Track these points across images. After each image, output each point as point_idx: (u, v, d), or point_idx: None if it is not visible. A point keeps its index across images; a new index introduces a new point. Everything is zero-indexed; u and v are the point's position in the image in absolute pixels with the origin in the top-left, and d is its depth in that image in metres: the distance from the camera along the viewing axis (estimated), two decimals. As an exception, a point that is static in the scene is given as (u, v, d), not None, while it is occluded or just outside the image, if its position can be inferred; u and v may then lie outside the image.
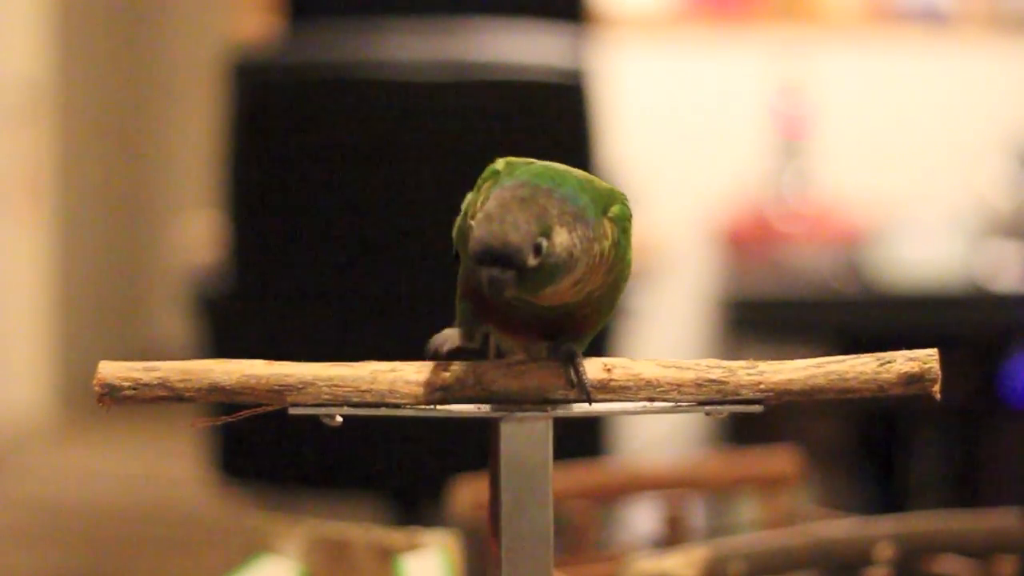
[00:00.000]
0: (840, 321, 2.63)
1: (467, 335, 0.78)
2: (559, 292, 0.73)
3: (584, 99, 1.96)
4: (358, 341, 1.98)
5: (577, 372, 0.74)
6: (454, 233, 0.79)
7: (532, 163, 0.76)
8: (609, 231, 0.74)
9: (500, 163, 0.77)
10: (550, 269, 0.71)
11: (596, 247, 0.73)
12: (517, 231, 0.69)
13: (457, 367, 0.76)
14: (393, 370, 0.75)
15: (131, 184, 5.17)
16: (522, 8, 2.19)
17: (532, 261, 0.69)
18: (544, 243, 0.70)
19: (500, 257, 0.69)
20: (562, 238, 0.71)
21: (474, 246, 0.69)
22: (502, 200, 0.70)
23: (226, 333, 2.09)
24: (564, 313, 0.76)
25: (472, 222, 0.73)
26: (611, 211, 0.75)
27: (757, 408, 0.76)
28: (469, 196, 0.78)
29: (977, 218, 2.84)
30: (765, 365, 0.75)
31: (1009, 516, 1.05)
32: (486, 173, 0.77)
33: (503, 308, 0.76)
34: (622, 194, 0.76)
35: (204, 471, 2.14)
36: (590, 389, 0.75)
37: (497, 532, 0.77)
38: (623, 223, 0.75)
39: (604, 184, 0.76)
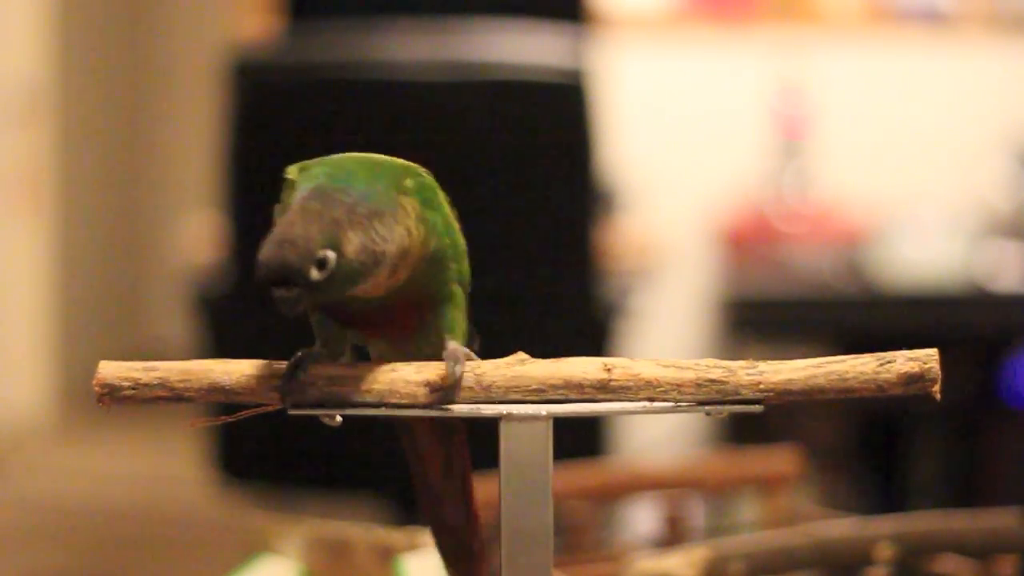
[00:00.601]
0: (840, 321, 2.63)
1: (330, 351, 0.77)
2: (377, 285, 0.73)
3: (584, 99, 1.96)
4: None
5: (454, 370, 0.74)
6: None
7: (325, 161, 0.75)
8: (411, 209, 0.74)
9: (292, 170, 0.76)
10: (349, 275, 0.71)
11: (399, 231, 0.73)
12: (295, 249, 0.69)
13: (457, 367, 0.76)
14: (393, 370, 0.75)
15: (131, 184, 5.17)
16: (522, 8, 2.19)
17: (317, 275, 0.69)
18: (330, 256, 0.69)
19: (279, 279, 0.69)
20: (355, 243, 0.71)
21: (256, 268, 0.70)
22: (290, 215, 0.71)
23: (226, 333, 2.09)
24: (403, 297, 0.75)
25: None
26: (406, 186, 0.75)
27: (757, 408, 0.75)
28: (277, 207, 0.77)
29: (977, 218, 2.84)
30: (765, 365, 0.75)
31: (1009, 516, 1.05)
32: (284, 184, 0.77)
33: (342, 309, 0.75)
34: (415, 168, 0.76)
35: (204, 471, 2.14)
36: (455, 389, 0.74)
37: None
38: (424, 194, 0.75)
39: (398, 162, 0.76)
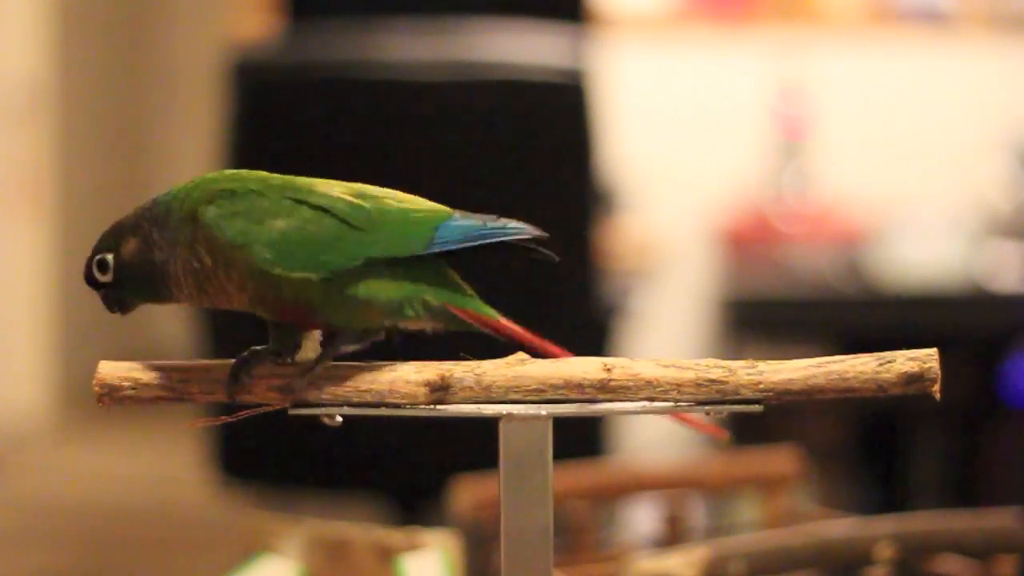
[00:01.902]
0: (840, 321, 2.63)
1: (281, 347, 0.76)
2: (223, 293, 0.74)
3: (584, 99, 1.96)
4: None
5: (235, 371, 0.74)
6: None
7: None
8: (200, 225, 0.74)
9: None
10: (130, 274, 0.75)
11: (183, 253, 0.74)
12: (89, 260, 0.76)
13: (457, 367, 0.76)
14: (393, 370, 0.75)
15: (131, 184, 5.17)
16: (522, 8, 2.19)
17: (103, 277, 0.76)
18: (108, 258, 0.76)
19: (86, 282, 0.77)
20: (131, 247, 0.75)
21: None
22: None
23: (226, 333, 2.09)
24: (284, 306, 0.74)
25: None
26: (197, 203, 0.75)
27: (757, 408, 0.75)
28: None
29: (977, 218, 2.84)
30: (765, 365, 0.75)
31: (1009, 516, 1.05)
32: None
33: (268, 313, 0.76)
34: (206, 181, 0.76)
35: (204, 471, 2.14)
36: (234, 390, 0.74)
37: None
38: (217, 202, 0.74)
39: (206, 183, 0.76)
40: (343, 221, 0.75)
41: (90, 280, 0.76)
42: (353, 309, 0.76)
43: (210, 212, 0.74)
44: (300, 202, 0.75)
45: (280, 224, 0.74)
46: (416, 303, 0.76)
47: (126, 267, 0.75)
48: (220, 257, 0.73)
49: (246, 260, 0.73)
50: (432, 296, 0.77)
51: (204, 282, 0.74)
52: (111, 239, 0.76)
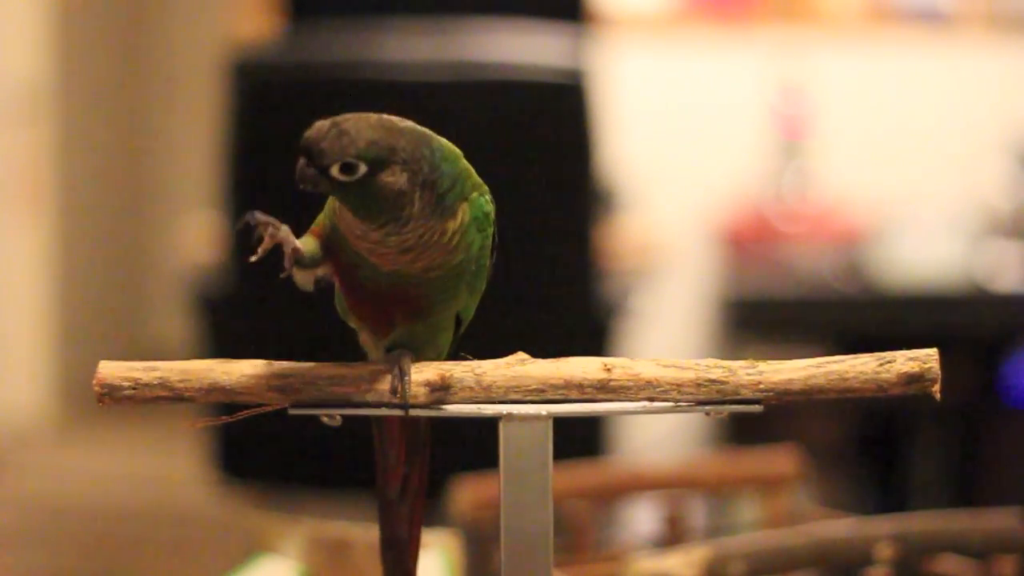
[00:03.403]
0: (840, 321, 2.63)
1: (306, 257, 0.77)
2: (386, 249, 0.74)
3: (584, 99, 1.96)
4: (358, 341, 1.98)
5: (401, 378, 0.74)
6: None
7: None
8: (460, 215, 0.75)
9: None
10: (367, 197, 0.72)
11: (438, 222, 0.74)
12: (337, 141, 0.71)
13: (457, 367, 0.76)
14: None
15: (131, 184, 5.17)
16: (522, 8, 2.19)
17: (338, 174, 0.71)
18: (360, 166, 0.71)
19: (308, 152, 0.72)
20: (394, 179, 0.72)
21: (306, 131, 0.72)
22: (371, 115, 0.73)
23: (226, 333, 2.09)
24: (399, 286, 0.75)
25: None
26: (471, 197, 0.76)
27: (757, 408, 0.75)
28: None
29: (977, 218, 2.84)
30: (765, 365, 0.75)
31: (1009, 516, 1.05)
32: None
33: (348, 260, 0.76)
34: (485, 189, 0.77)
35: (204, 471, 2.14)
36: (411, 398, 0.75)
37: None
38: (479, 216, 0.76)
39: (476, 177, 0.77)
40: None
41: (317, 162, 0.71)
42: (422, 340, 0.78)
43: (477, 205, 0.76)
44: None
45: (487, 256, 0.78)
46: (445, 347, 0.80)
47: (372, 186, 0.72)
48: (453, 240, 0.75)
49: (464, 258, 0.76)
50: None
51: (420, 246, 0.74)
52: (373, 150, 0.72)
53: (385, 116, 0.73)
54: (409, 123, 0.75)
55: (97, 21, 4.90)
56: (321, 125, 0.72)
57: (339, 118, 0.72)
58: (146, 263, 5.16)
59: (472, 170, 0.77)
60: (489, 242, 0.77)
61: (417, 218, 0.73)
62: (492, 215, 0.77)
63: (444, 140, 0.76)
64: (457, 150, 0.76)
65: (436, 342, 0.78)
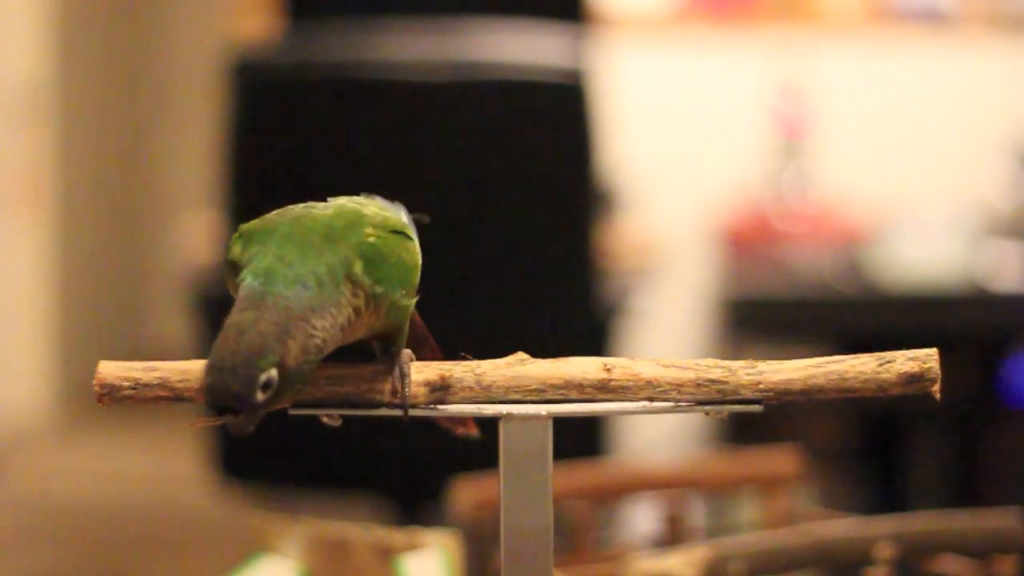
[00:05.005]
0: (840, 321, 2.63)
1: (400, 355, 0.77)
2: (356, 331, 0.74)
3: (584, 99, 1.96)
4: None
5: (402, 379, 0.74)
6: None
7: (267, 237, 0.74)
8: (359, 288, 0.73)
9: (235, 247, 0.75)
10: (293, 380, 0.70)
11: (343, 315, 0.72)
12: (237, 379, 0.68)
13: (457, 367, 0.76)
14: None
15: (131, 184, 5.18)
16: (522, 8, 2.19)
17: (262, 397, 0.69)
18: (273, 375, 0.69)
19: (226, 409, 0.68)
20: (295, 351, 0.70)
21: (205, 394, 0.69)
22: (227, 332, 0.70)
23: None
24: (361, 336, 0.75)
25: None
26: (353, 270, 0.73)
27: (757, 408, 0.75)
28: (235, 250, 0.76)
29: (977, 218, 2.84)
30: (765, 365, 0.75)
31: (1009, 516, 1.05)
32: (229, 256, 0.76)
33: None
34: (366, 228, 0.75)
35: (204, 471, 2.14)
36: (410, 399, 0.74)
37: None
38: (372, 262, 0.74)
39: (352, 223, 0.75)
40: (416, 248, 0.79)
41: (241, 407, 0.68)
42: (402, 341, 0.77)
43: (360, 269, 0.74)
44: (397, 233, 0.77)
45: (408, 260, 0.77)
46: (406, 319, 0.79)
47: (289, 374, 0.69)
48: (371, 304, 0.74)
49: (387, 300, 0.75)
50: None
51: (347, 329, 0.73)
52: (265, 356, 0.68)
53: (231, 321, 0.71)
54: (250, 288, 0.72)
55: (97, 21, 4.90)
56: (210, 383, 0.68)
57: (211, 361, 0.69)
58: (146, 263, 5.17)
59: (338, 218, 0.75)
60: (397, 253, 0.75)
61: (330, 339, 0.72)
62: (380, 241, 0.75)
63: (283, 230, 0.74)
64: (305, 221, 0.74)
65: (404, 331, 0.78)
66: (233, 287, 0.74)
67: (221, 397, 0.68)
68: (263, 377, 0.68)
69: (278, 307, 0.70)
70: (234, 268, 0.75)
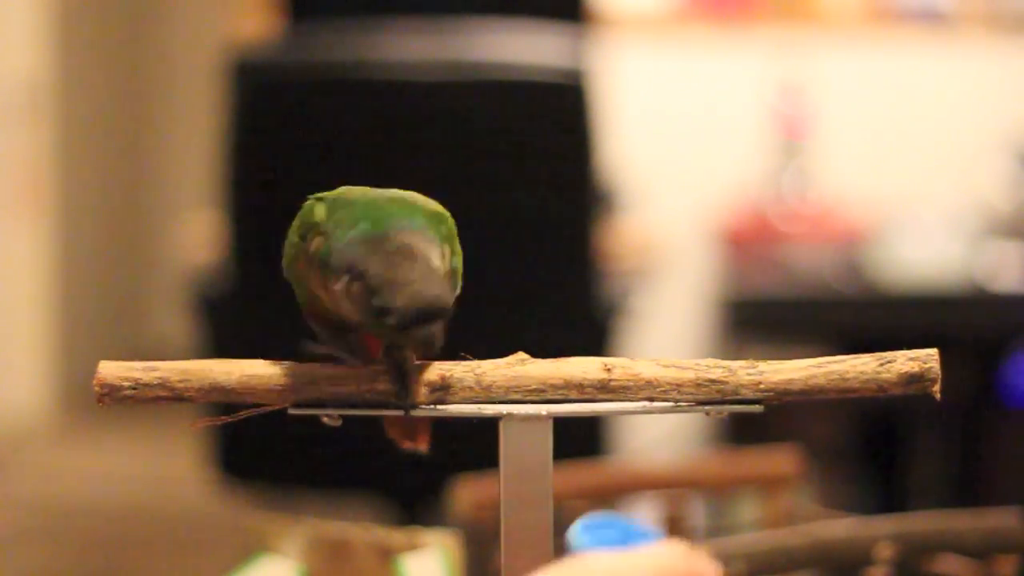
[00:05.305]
0: (840, 321, 2.63)
1: (345, 350, 0.77)
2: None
3: (584, 99, 1.96)
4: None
5: (404, 379, 0.74)
6: (285, 264, 0.78)
7: (353, 200, 0.74)
8: (446, 254, 0.74)
9: (319, 210, 0.75)
10: (455, 282, 0.72)
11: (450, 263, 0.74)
12: (440, 284, 0.69)
13: (457, 367, 0.76)
14: (393, 370, 0.75)
15: (131, 184, 5.18)
16: (522, 8, 2.19)
17: (453, 296, 0.71)
18: (457, 282, 0.71)
19: (433, 315, 0.69)
20: (452, 264, 0.72)
21: (402, 312, 0.68)
22: (388, 263, 0.70)
23: (226, 333, 2.09)
24: None
25: (339, 286, 0.71)
26: (443, 233, 0.74)
27: (757, 408, 0.75)
28: (292, 238, 0.76)
29: (977, 218, 2.84)
30: (765, 365, 0.75)
31: (1009, 516, 1.05)
32: (304, 221, 0.76)
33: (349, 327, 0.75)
34: (444, 213, 0.76)
35: (204, 471, 2.14)
36: (413, 397, 0.74)
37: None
38: (452, 243, 0.75)
39: (430, 205, 0.76)
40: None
41: (445, 313, 0.69)
42: None
43: (442, 236, 0.74)
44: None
45: (460, 255, 0.77)
46: None
47: (455, 273, 0.73)
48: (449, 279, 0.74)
49: (454, 282, 0.75)
50: None
51: None
52: (447, 268, 0.71)
53: (397, 247, 0.71)
54: (393, 224, 0.72)
55: (97, 21, 4.90)
56: (414, 294, 0.68)
57: (393, 278, 0.69)
58: (146, 263, 5.17)
59: (412, 199, 0.76)
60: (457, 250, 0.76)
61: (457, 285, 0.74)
62: (453, 225, 0.76)
63: (367, 199, 0.75)
64: (385, 195, 0.75)
65: None
66: (313, 246, 0.74)
67: (433, 307, 0.68)
68: (449, 275, 0.70)
69: (432, 242, 0.71)
70: (314, 229, 0.74)
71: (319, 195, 0.77)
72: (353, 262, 0.71)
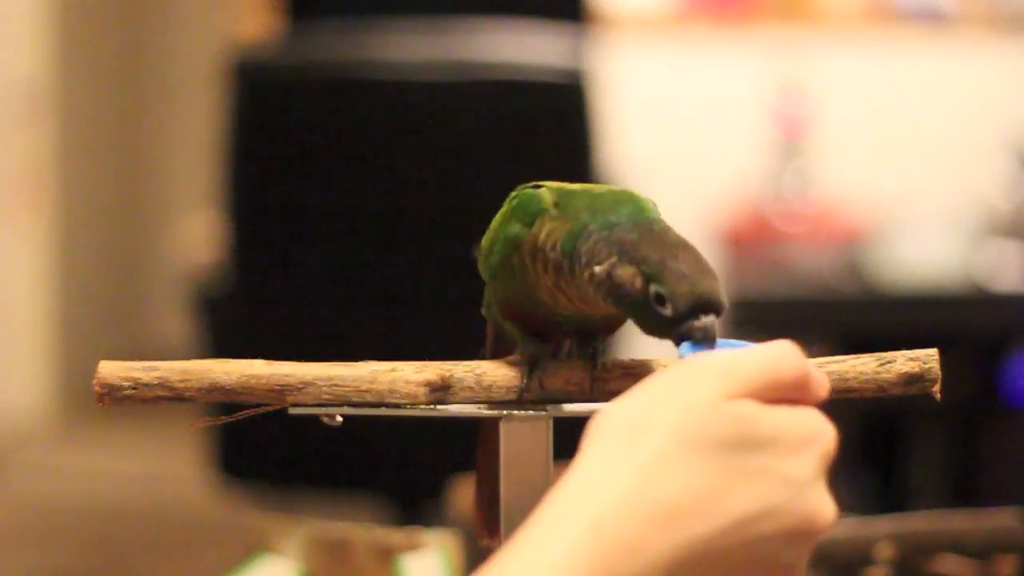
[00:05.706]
0: (840, 321, 2.63)
1: (536, 350, 0.76)
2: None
3: (584, 99, 1.96)
4: (358, 341, 1.98)
5: (530, 373, 0.74)
6: (484, 255, 0.77)
7: (574, 189, 0.74)
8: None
9: (547, 196, 0.74)
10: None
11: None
12: (717, 278, 0.69)
13: (457, 367, 0.76)
14: (393, 370, 0.75)
15: (131, 184, 5.18)
16: (522, 8, 2.19)
17: (665, 311, 0.69)
18: (662, 290, 0.70)
19: (713, 307, 0.68)
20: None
21: (695, 300, 0.68)
22: (684, 249, 0.70)
23: (226, 333, 2.09)
24: (602, 317, 0.75)
25: (599, 270, 0.70)
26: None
27: (757, 408, 0.75)
28: (512, 228, 0.75)
29: (977, 218, 2.84)
30: (765, 365, 0.75)
31: (1009, 516, 1.05)
32: (526, 209, 0.74)
33: (551, 321, 0.75)
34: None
35: (204, 471, 2.14)
36: (529, 392, 0.74)
37: (493, 530, 0.77)
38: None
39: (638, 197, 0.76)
40: None
41: (723, 308, 0.69)
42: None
43: None
44: None
45: None
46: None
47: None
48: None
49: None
50: None
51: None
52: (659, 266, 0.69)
53: (676, 239, 0.71)
54: (644, 215, 0.73)
55: (97, 21, 4.90)
56: (709, 286, 0.68)
57: (689, 269, 0.69)
58: (146, 263, 5.17)
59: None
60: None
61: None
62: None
63: (596, 192, 0.74)
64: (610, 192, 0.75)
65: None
66: (545, 232, 0.73)
67: (719, 301, 0.68)
68: (654, 290, 0.68)
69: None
70: (543, 215, 0.73)
71: (527, 185, 0.76)
72: (626, 246, 0.70)
